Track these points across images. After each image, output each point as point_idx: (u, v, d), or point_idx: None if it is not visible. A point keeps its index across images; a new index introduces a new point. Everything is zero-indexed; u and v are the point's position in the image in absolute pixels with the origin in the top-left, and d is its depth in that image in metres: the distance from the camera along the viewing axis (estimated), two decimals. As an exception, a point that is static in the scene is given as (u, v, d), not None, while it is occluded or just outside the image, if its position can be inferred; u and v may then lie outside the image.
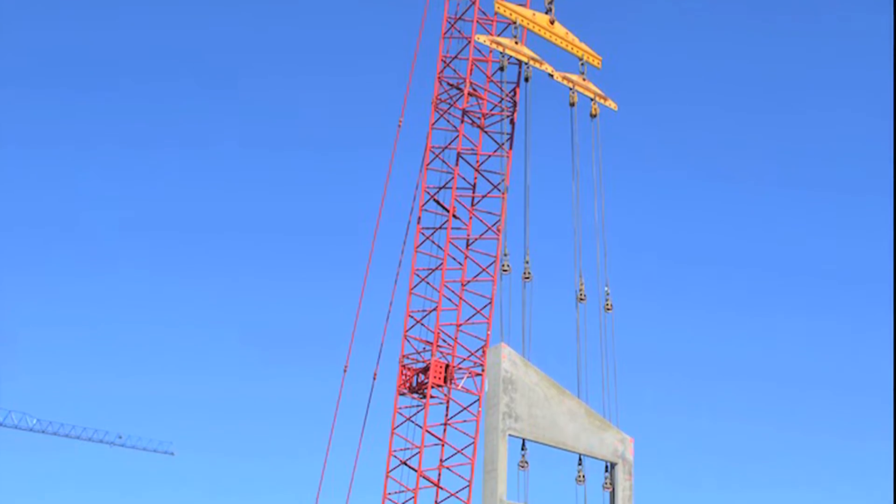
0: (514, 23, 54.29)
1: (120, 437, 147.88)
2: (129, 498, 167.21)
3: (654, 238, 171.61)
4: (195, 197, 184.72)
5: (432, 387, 59.06)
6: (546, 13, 55.06)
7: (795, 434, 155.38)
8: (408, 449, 59.46)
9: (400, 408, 60.26)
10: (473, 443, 58.42)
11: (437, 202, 61.11)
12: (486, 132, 61.26)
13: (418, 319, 60.56)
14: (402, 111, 64.10)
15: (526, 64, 54.78)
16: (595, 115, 55.68)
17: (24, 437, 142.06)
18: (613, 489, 38.65)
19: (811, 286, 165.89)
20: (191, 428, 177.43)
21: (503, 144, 61.06)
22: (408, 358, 60.58)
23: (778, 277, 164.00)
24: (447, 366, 59.60)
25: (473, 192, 60.99)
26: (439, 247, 60.63)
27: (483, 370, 58.87)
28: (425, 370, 59.62)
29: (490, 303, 59.29)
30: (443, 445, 58.87)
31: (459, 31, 61.60)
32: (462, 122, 60.76)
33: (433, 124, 61.34)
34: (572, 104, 55.59)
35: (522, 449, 40.19)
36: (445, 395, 59.58)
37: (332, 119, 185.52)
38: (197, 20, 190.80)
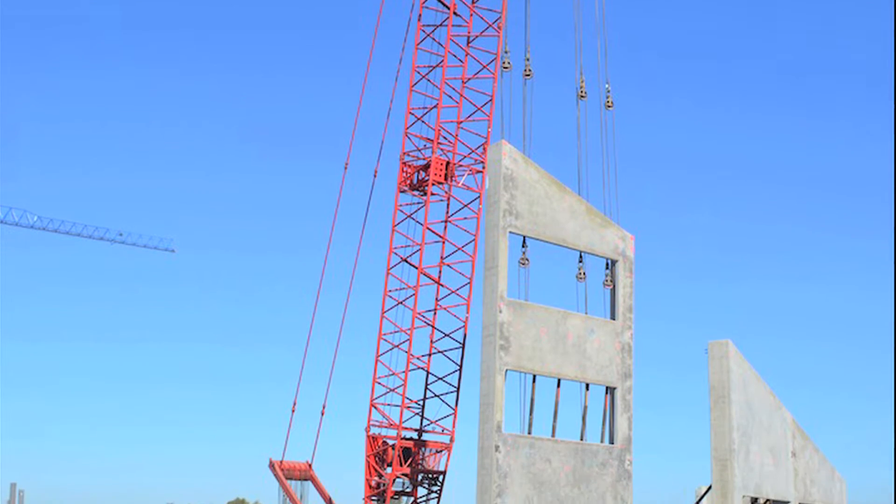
0: None
1: (121, 235, 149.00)
2: (130, 294, 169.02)
3: (655, 35, 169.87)
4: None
5: (433, 184, 59.22)
6: None
7: (794, 228, 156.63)
8: (408, 246, 59.96)
9: (401, 205, 60.58)
10: (474, 240, 58.87)
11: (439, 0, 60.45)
12: (486, -73, 60.17)
13: (419, 116, 60.44)
14: None
15: None
16: None
17: (25, 234, 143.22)
18: (614, 286, 38.87)
19: (811, 82, 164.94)
20: (191, 225, 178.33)
21: (504, -61, 59.99)
22: (408, 155, 60.62)
23: (778, 73, 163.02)
24: (448, 163, 59.68)
25: (474, -12, 60.23)
26: (440, 44, 60.19)
27: (483, 167, 58.95)
28: (426, 167, 59.72)
29: (490, 100, 59.07)
30: (443, 243, 59.30)
31: None
32: (463, -85, 59.66)
33: (433, -80, 60.30)
34: None
35: (523, 246, 40.36)
36: (446, 192, 59.80)
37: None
38: None
